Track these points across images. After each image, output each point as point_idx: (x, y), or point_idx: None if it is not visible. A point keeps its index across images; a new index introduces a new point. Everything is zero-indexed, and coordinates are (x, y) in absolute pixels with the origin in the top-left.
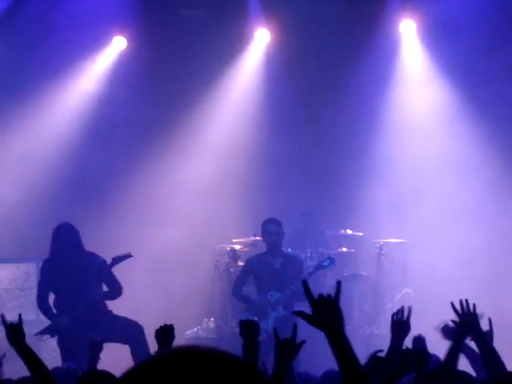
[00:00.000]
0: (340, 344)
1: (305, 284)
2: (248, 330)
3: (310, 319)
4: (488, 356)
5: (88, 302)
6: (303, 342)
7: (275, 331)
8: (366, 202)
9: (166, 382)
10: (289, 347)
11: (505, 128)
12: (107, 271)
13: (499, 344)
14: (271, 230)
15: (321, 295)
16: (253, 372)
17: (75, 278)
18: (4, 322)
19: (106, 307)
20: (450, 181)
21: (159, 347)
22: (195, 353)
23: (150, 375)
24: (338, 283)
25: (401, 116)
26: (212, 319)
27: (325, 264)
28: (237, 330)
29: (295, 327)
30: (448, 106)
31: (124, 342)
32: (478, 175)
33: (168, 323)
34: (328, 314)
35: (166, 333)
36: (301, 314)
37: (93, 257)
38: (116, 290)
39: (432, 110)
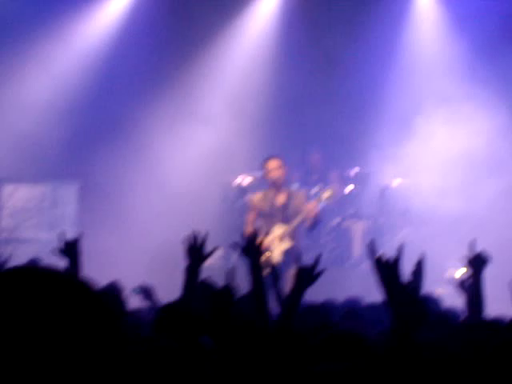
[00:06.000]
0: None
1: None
2: (251, 248)
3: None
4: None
5: None
6: (324, 270)
7: (299, 256)
8: (374, 143)
9: None
10: (308, 274)
11: None
12: None
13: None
14: (273, 166)
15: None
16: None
17: None
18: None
19: None
20: (461, 125)
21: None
22: (20, 272)
23: None
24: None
25: (413, 63)
26: (219, 251)
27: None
28: (243, 262)
29: (318, 257)
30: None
31: None
32: (490, 120)
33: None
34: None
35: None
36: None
37: None
38: None
39: (442, 60)
